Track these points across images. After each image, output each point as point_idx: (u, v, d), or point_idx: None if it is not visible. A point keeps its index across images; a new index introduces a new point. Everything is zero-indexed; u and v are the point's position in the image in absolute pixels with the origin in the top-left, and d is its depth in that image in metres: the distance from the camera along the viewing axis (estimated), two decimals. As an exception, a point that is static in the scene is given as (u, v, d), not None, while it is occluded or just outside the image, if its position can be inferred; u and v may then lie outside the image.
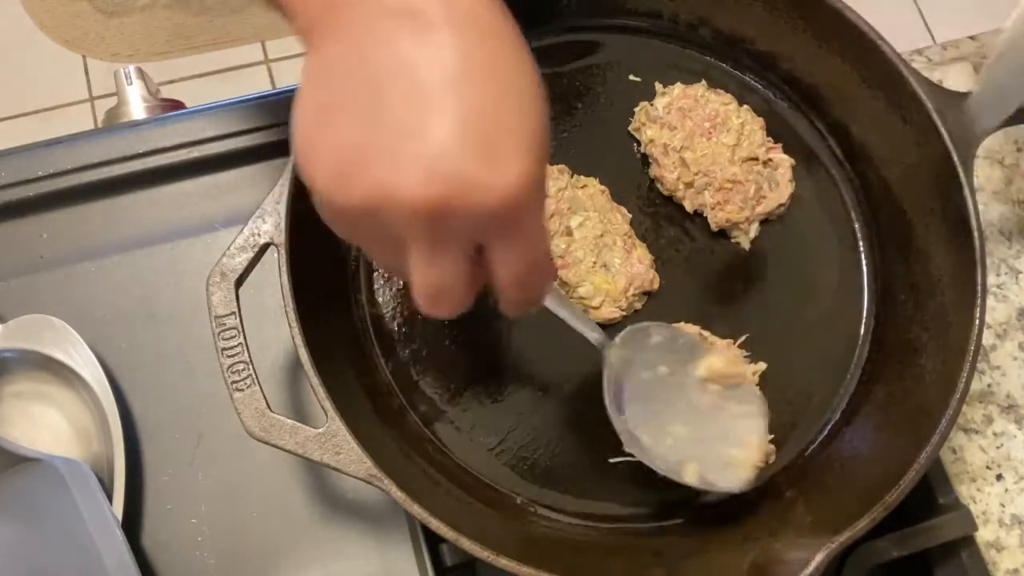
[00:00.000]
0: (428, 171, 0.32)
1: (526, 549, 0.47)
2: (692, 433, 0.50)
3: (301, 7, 0.36)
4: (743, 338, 0.56)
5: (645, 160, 0.60)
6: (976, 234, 0.51)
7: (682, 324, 0.55)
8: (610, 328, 0.56)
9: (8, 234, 0.60)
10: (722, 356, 0.52)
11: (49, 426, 0.56)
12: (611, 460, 0.53)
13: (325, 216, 0.37)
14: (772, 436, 0.53)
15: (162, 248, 0.61)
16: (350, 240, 0.38)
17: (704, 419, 0.51)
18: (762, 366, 0.56)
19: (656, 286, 0.57)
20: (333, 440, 0.46)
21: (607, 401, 0.50)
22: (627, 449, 0.50)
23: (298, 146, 0.35)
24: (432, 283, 0.36)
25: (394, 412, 0.55)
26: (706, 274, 0.59)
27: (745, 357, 0.55)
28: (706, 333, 0.55)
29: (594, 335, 0.51)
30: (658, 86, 0.61)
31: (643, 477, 0.54)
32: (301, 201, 0.50)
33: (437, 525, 0.45)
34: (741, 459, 0.51)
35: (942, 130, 0.52)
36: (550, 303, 0.49)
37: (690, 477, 0.50)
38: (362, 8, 0.33)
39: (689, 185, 0.58)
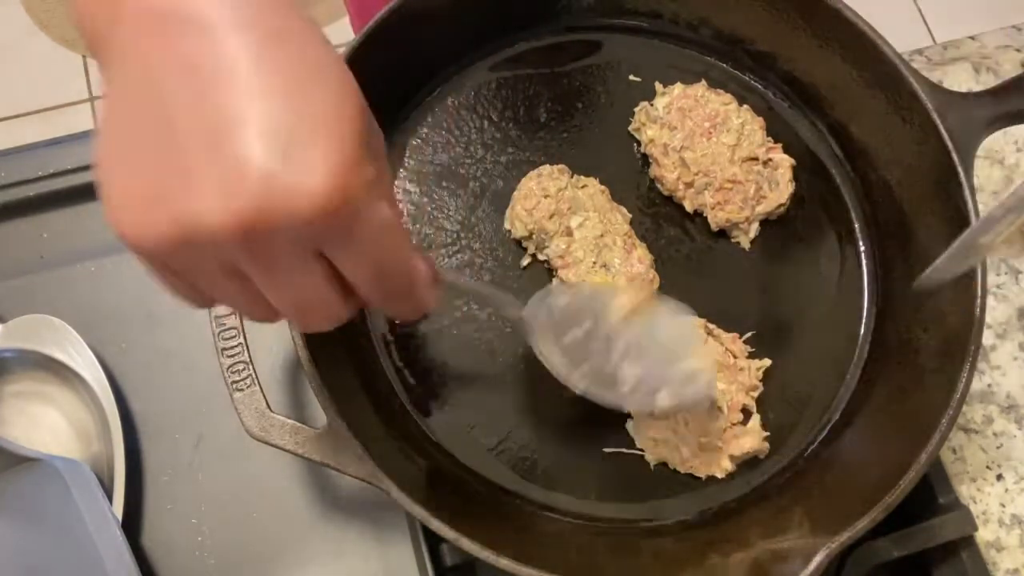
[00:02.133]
0: (228, 188, 0.29)
1: (526, 549, 0.47)
2: (644, 368, 0.49)
3: (86, 22, 0.33)
4: (748, 335, 0.56)
5: (645, 160, 0.60)
6: (976, 234, 0.51)
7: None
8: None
9: (8, 234, 0.60)
10: (627, 291, 0.51)
11: (49, 426, 0.56)
12: (606, 450, 0.54)
13: (157, 278, 0.33)
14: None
15: (162, 248, 0.61)
16: (196, 297, 0.34)
17: (646, 350, 0.50)
18: (767, 362, 0.56)
19: (656, 286, 0.57)
20: (333, 440, 0.46)
21: (553, 369, 0.48)
22: (592, 397, 0.49)
23: (104, 195, 0.31)
24: (289, 302, 0.33)
25: (394, 412, 0.55)
26: (706, 274, 0.59)
27: (750, 352, 0.56)
28: (712, 326, 0.55)
29: (509, 306, 0.48)
30: (658, 86, 0.61)
31: (643, 477, 0.54)
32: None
33: (437, 525, 0.45)
34: (699, 365, 0.50)
35: (942, 130, 0.52)
36: (458, 282, 0.46)
37: (667, 402, 0.49)
38: (132, 15, 0.30)
39: (689, 185, 0.58)
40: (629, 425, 0.55)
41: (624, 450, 0.54)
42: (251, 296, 0.33)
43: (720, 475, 0.54)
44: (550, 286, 0.51)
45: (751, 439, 0.54)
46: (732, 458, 0.54)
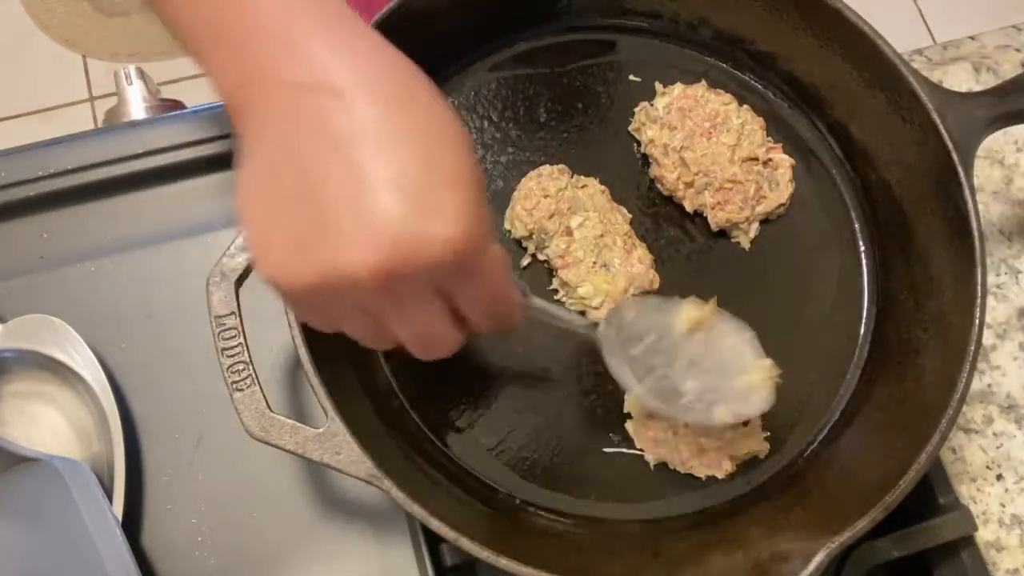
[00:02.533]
0: (370, 239, 0.32)
1: (526, 549, 0.47)
2: (703, 382, 0.50)
3: (220, 77, 0.36)
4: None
5: (645, 160, 0.60)
6: (976, 234, 0.51)
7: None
8: (610, 328, 0.56)
9: (8, 234, 0.60)
10: (690, 306, 0.51)
11: (49, 426, 0.56)
12: (606, 450, 0.54)
13: (296, 313, 0.39)
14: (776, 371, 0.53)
15: (162, 248, 0.61)
16: (329, 329, 0.39)
17: (706, 365, 0.51)
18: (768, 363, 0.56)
19: (656, 286, 0.57)
20: (333, 440, 0.46)
21: (622, 382, 0.49)
22: (658, 411, 0.50)
23: (251, 245, 0.35)
24: (417, 337, 0.38)
25: (394, 412, 0.55)
26: (706, 274, 0.59)
27: None
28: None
29: (582, 325, 0.50)
30: (658, 86, 0.61)
31: (643, 477, 0.54)
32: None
33: (437, 525, 0.45)
34: (757, 381, 0.51)
35: (942, 130, 0.52)
36: (532, 305, 0.48)
37: (725, 417, 0.50)
38: (274, 88, 0.34)
39: (689, 185, 0.58)
40: (628, 425, 0.55)
41: (624, 450, 0.55)
42: (378, 329, 0.37)
43: (720, 475, 0.54)
44: (623, 300, 0.52)
45: (751, 440, 0.54)
46: (732, 458, 0.54)
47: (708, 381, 0.50)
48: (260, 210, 0.35)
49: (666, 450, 0.54)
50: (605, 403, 0.56)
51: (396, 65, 0.35)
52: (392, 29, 0.55)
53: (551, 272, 0.57)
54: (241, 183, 0.35)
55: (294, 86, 0.34)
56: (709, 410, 0.50)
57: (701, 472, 0.54)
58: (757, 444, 0.54)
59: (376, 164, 0.33)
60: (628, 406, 0.55)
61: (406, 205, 0.32)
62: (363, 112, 0.33)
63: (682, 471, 0.54)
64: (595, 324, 0.50)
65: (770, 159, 0.59)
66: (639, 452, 0.54)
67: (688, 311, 0.51)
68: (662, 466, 0.54)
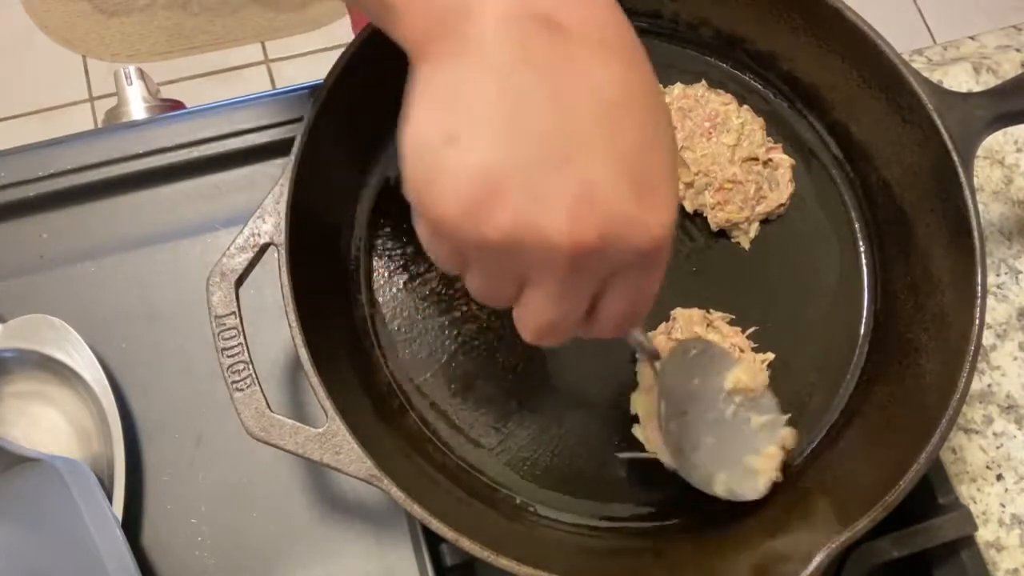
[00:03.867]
0: (579, 208, 0.29)
1: (526, 549, 0.47)
2: (719, 444, 0.51)
3: (409, 15, 0.32)
4: (751, 329, 0.56)
5: (645, 160, 0.60)
6: (976, 234, 0.51)
7: (683, 310, 0.56)
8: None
9: (8, 234, 0.60)
10: (746, 368, 0.52)
11: (49, 426, 0.56)
12: (619, 455, 0.54)
13: (436, 246, 0.33)
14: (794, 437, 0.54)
15: (162, 248, 0.61)
16: (452, 269, 0.35)
17: (729, 429, 0.51)
18: (770, 355, 0.56)
19: (656, 286, 0.57)
20: (333, 440, 0.46)
21: (661, 420, 0.48)
22: (667, 464, 0.50)
23: (417, 171, 0.31)
24: (551, 320, 0.34)
25: (394, 412, 0.55)
26: (706, 274, 0.59)
27: (752, 348, 0.56)
28: (713, 316, 0.56)
29: (649, 350, 0.48)
30: (658, 86, 0.61)
31: (643, 477, 0.54)
32: (301, 201, 0.50)
33: (437, 525, 0.45)
34: (760, 468, 0.52)
35: (942, 130, 0.52)
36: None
37: (720, 488, 0.50)
38: (487, 17, 0.30)
39: (689, 185, 0.58)
40: (636, 430, 0.54)
41: (639, 454, 0.54)
42: (513, 294, 0.34)
43: (755, 496, 0.52)
44: (688, 340, 0.52)
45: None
46: (776, 473, 0.53)
47: (722, 445, 0.51)
48: (442, 139, 0.30)
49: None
50: (606, 403, 0.56)
51: (618, 15, 0.32)
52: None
53: (551, 272, 0.57)
54: (418, 112, 0.31)
55: (509, 14, 0.30)
56: (711, 476, 0.50)
57: None
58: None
59: (598, 127, 0.30)
60: (635, 407, 0.55)
61: (623, 183, 0.30)
62: (591, 61, 0.30)
63: None
64: (657, 355, 0.48)
65: (770, 159, 0.59)
66: (653, 456, 0.54)
67: (740, 372, 0.51)
68: (661, 465, 0.54)
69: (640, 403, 0.55)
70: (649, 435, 0.54)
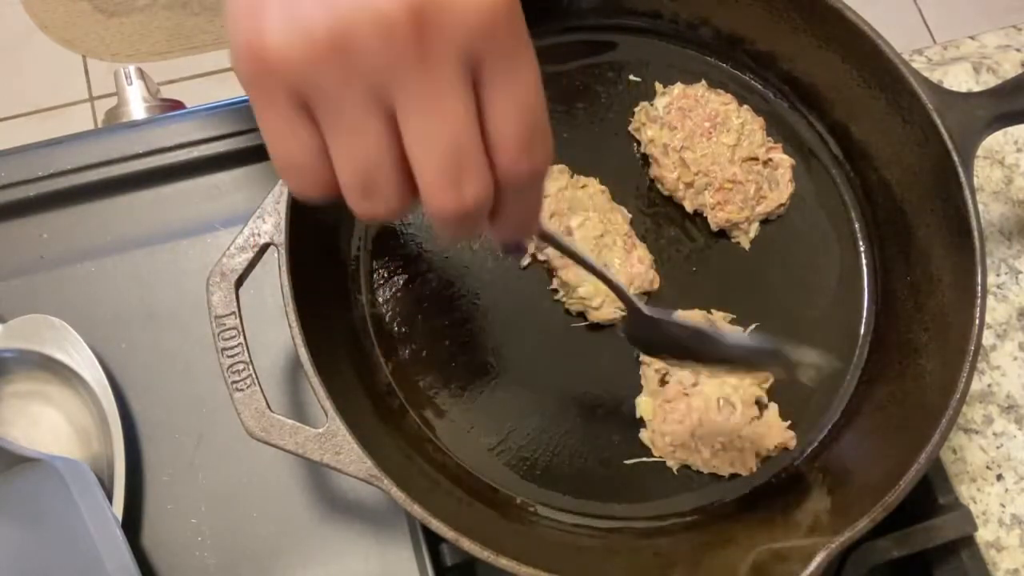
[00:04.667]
0: None
1: (526, 549, 0.47)
2: None
3: None
4: (752, 327, 0.56)
5: (645, 160, 0.60)
6: (976, 234, 0.51)
7: (684, 312, 0.56)
8: (608, 328, 0.57)
9: (8, 234, 0.60)
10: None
11: (49, 426, 0.56)
12: (626, 462, 0.54)
13: (267, 108, 0.28)
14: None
15: (162, 248, 0.61)
16: (291, 144, 0.29)
17: None
18: (769, 378, 0.56)
19: (656, 286, 0.57)
20: (333, 440, 0.46)
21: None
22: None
23: (239, 24, 0.28)
24: (451, 138, 0.28)
25: (394, 412, 0.55)
26: (706, 274, 0.59)
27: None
28: (713, 316, 0.56)
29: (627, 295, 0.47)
30: (658, 86, 0.61)
31: (644, 478, 0.54)
32: (301, 201, 0.50)
33: (437, 525, 0.45)
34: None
35: (942, 130, 0.52)
36: (574, 250, 0.43)
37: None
38: None
39: (689, 185, 0.58)
40: (643, 435, 0.54)
41: (646, 459, 0.54)
42: (377, 131, 0.28)
43: (745, 473, 0.54)
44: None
45: (775, 432, 0.54)
46: (758, 456, 0.54)
47: None
48: None
49: (686, 453, 0.53)
50: (606, 402, 0.56)
51: None
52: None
53: (551, 272, 0.57)
54: None
55: None
56: None
57: (725, 471, 0.54)
58: (781, 436, 0.54)
59: None
60: (640, 411, 0.55)
61: None
62: None
63: (706, 471, 0.54)
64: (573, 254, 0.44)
65: (770, 159, 0.59)
66: (659, 460, 0.54)
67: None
68: (661, 465, 0.54)
69: (645, 407, 0.55)
70: (653, 439, 0.54)
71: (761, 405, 0.54)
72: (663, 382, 0.54)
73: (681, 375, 0.54)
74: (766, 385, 0.55)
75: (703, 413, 0.53)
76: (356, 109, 0.28)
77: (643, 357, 0.55)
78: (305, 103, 0.28)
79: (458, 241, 0.30)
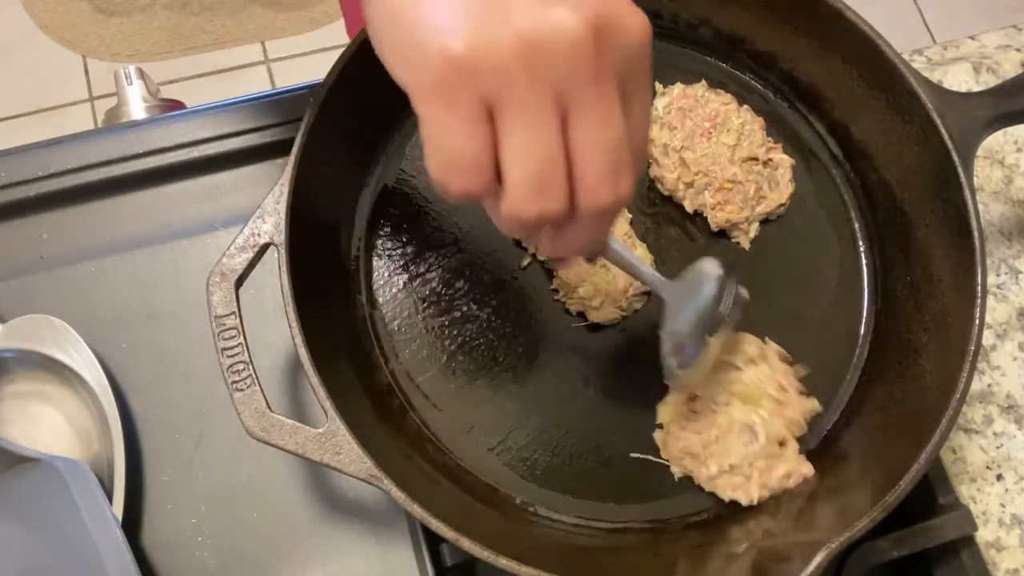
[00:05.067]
0: (574, 2, 0.30)
1: (526, 549, 0.47)
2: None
3: None
4: (805, 373, 0.55)
5: (645, 160, 0.60)
6: (976, 234, 0.51)
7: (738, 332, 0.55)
8: (608, 328, 0.57)
9: (8, 234, 0.60)
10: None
11: (49, 426, 0.56)
12: (633, 455, 0.54)
13: (454, 116, 0.31)
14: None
15: (162, 248, 0.61)
16: (480, 152, 0.32)
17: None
18: (815, 405, 0.55)
19: (656, 286, 0.57)
20: (333, 440, 0.46)
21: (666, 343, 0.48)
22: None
23: (427, 18, 0.31)
24: (615, 134, 0.32)
25: (394, 412, 0.55)
26: (706, 274, 0.59)
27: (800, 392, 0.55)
28: (769, 348, 0.55)
29: (654, 280, 0.48)
30: (658, 86, 0.61)
31: (644, 478, 0.54)
32: (301, 201, 0.50)
33: (437, 525, 0.45)
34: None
35: (942, 130, 0.52)
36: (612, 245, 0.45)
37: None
38: None
39: (689, 185, 0.58)
40: (657, 435, 0.54)
41: (651, 458, 0.54)
42: (552, 133, 0.31)
43: (745, 502, 0.52)
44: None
45: (786, 466, 0.52)
46: (764, 486, 0.52)
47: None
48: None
49: (693, 464, 0.53)
50: (606, 403, 0.56)
51: None
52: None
53: (550, 273, 0.57)
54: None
55: None
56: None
57: (726, 494, 0.52)
58: (794, 467, 0.52)
59: None
60: (660, 417, 0.55)
61: None
62: None
63: (707, 488, 0.53)
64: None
65: (770, 159, 0.59)
66: (664, 462, 0.54)
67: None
68: (665, 468, 0.54)
69: (665, 411, 0.54)
70: (665, 440, 0.54)
71: (782, 444, 0.53)
72: (693, 397, 0.54)
73: (714, 393, 0.53)
74: (796, 431, 0.53)
75: (723, 431, 0.52)
76: (540, 111, 0.31)
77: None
78: (487, 107, 0.31)
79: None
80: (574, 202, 0.33)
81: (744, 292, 0.50)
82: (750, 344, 0.54)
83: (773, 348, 0.55)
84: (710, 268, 0.48)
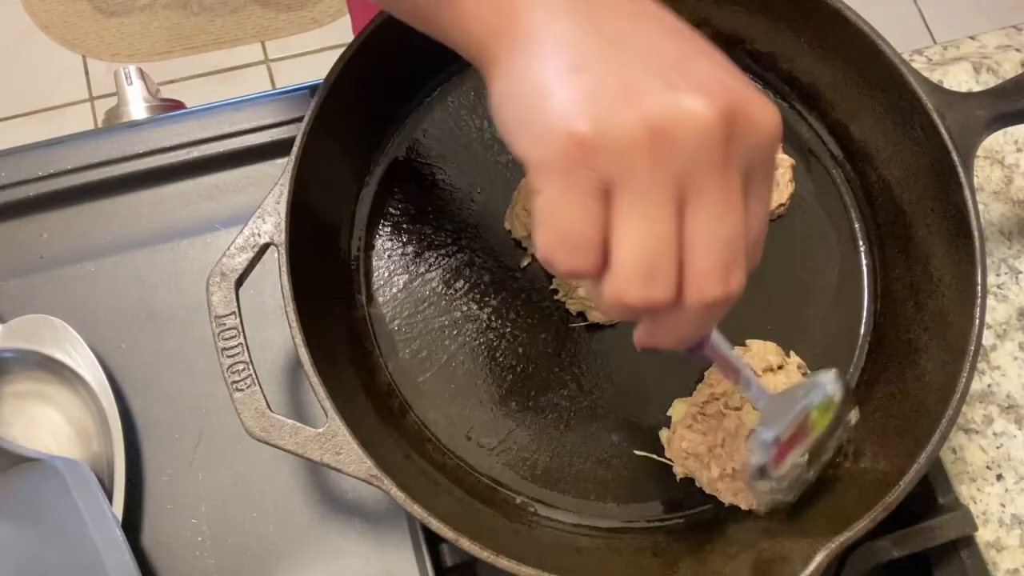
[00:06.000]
0: (710, 88, 0.30)
1: (526, 549, 0.47)
2: None
3: (476, 20, 0.34)
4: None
5: (645, 160, 0.60)
6: (976, 234, 0.51)
7: (760, 341, 0.55)
8: (608, 328, 0.56)
9: (8, 234, 0.60)
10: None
11: (49, 426, 0.56)
12: (636, 452, 0.54)
13: (572, 197, 0.30)
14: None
15: (162, 248, 0.61)
16: (594, 233, 0.31)
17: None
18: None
19: (656, 286, 0.57)
20: (333, 440, 0.46)
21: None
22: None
23: (533, 110, 0.31)
24: (732, 231, 0.31)
25: (394, 412, 0.55)
26: (706, 274, 0.59)
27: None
28: (790, 359, 0.55)
29: (760, 403, 0.43)
30: (658, 86, 0.61)
31: (644, 478, 0.54)
32: (301, 201, 0.50)
33: (437, 525, 0.45)
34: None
35: (942, 130, 0.52)
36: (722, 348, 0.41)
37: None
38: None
39: (689, 185, 0.58)
40: (663, 433, 0.54)
41: (654, 456, 0.54)
42: (669, 221, 0.31)
43: (745, 507, 0.52)
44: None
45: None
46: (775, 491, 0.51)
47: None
48: (554, 75, 0.31)
49: (696, 466, 0.53)
50: (606, 404, 0.56)
51: None
52: (393, 29, 0.55)
53: (550, 273, 0.57)
54: (502, 82, 0.32)
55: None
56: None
57: (726, 499, 0.52)
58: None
59: (689, 45, 0.32)
60: (673, 412, 0.54)
61: (738, 78, 0.32)
62: (640, 5, 0.33)
63: (707, 491, 0.53)
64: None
65: (770, 159, 0.59)
66: (668, 462, 0.54)
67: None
68: (663, 467, 0.54)
69: (678, 409, 0.54)
70: (670, 439, 0.54)
71: None
72: (707, 399, 0.54)
73: (728, 395, 0.53)
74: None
75: (730, 435, 0.52)
76: (660, 197, 0.30)
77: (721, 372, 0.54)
78: (606, 188, 0.30)
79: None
80: (681, 292, 0.32)
81: (855, 416, 0.46)
82: (772, 352, 0.54)
83: (795, 360, 0.55)
84: (825, 378, 0.45)
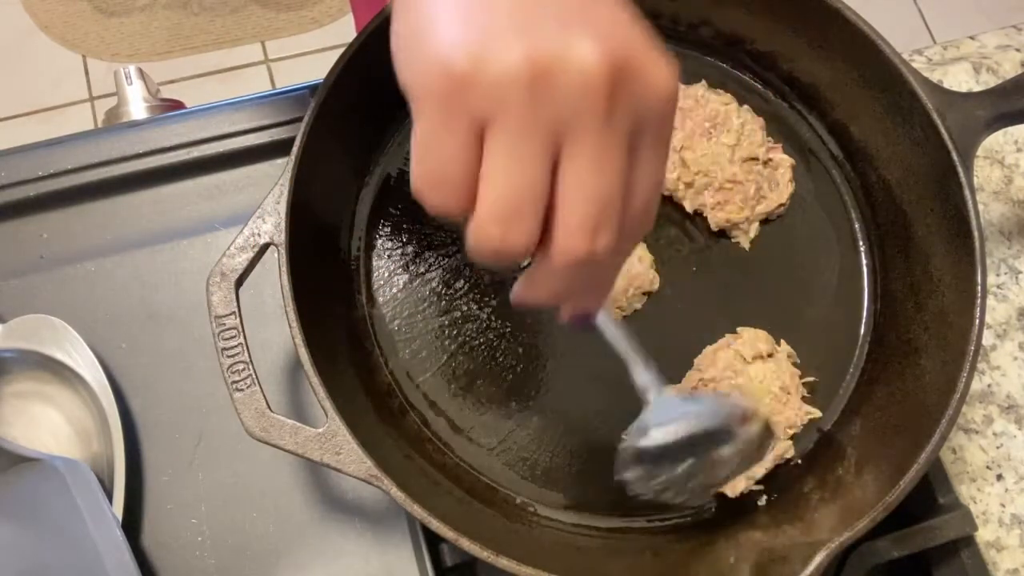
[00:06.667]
0: (603, 36, 0.28)
1: (526, 549, 0.47)
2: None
3: None
4: (810, 379, 0.55)
5: (645, 160, 0.60)
6: (976, 234, 0.51)
7: (750, 329, 0.55)
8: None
9: (8, 234, 0.60)
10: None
11: (49, 426, 0.56)
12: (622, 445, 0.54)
13: (447, 129, 0.29)
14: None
15: (162, 248, 0.61)
16: (462, 169, 0.30)
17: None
18: (816, 413, 0.55)
19: (656, 286, 0.57)
20: (333, 440, 0.46)
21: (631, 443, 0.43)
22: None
23: (416, 41, 0.30)
24: (604, 190, 0.30)
25: (394, 412, 0.55)
26: (706, 274, 0.59)
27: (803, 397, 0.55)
28: (781, 349, 0.55)
29: (645, 378, 0.43)
30: (658, 86, 0.61)
31: (643, 477, 0.54)
32: (301, 201, 0.50)
33: (437, 525, 0.45)
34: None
35: (942, 130, 0.52)
36: (608, 330, 0.42)
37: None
38: None
39: (689, 185, 0.58)
40: None
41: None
42: (545, 171, 0.30)
43: (731, 495, 0.53)
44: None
45: (772, 456, 0.53)
46: (749, 478, 0.53)
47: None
48: (452, 8, 0.29)
49: None
50: (607, 403, 0.56)
51: None
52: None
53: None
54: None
55: None
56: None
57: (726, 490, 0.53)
58: (780, 449, 0.53)
59: (600, 4, 0.30)
60: None
61: (637, 32, 0.30)
62: None
63: None
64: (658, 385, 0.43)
65: (770, 159, 0.59)
66: None
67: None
68: (662, 466, 0.54)
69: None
70: None
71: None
72: (696, 383, 0.54)
73: (716, 380, 0.53)
74: (791, 431, 0.54)
75: None
76: (532, 139, 0.29)
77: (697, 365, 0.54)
78: (482, 126, 0.29)
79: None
80: (546, 245, 0.31)
81: (775, 447, 0.45)
82: (763, 340, 0.55)
83: (785, 350, 0.55)
84: (736, 400, 0.43)
